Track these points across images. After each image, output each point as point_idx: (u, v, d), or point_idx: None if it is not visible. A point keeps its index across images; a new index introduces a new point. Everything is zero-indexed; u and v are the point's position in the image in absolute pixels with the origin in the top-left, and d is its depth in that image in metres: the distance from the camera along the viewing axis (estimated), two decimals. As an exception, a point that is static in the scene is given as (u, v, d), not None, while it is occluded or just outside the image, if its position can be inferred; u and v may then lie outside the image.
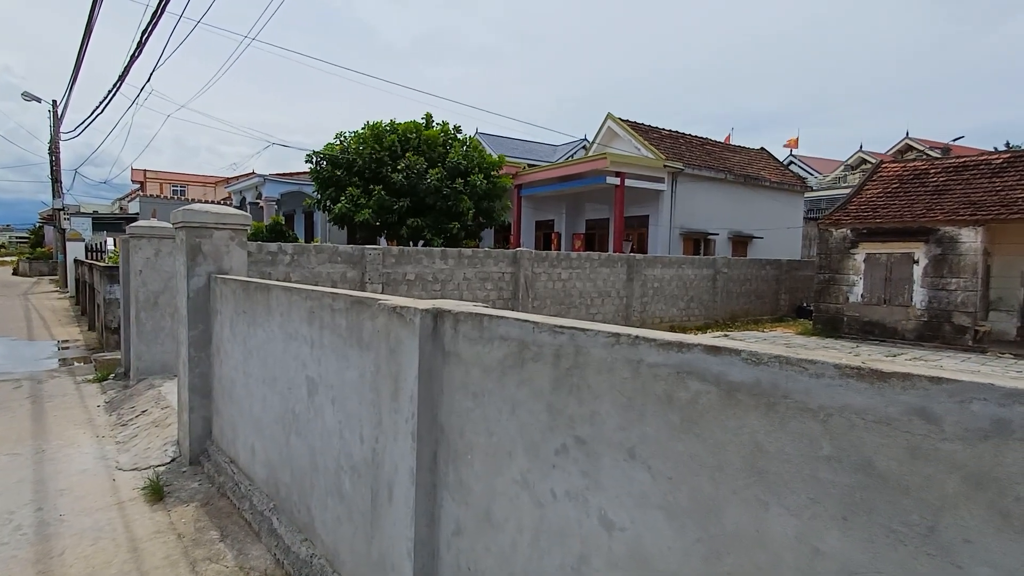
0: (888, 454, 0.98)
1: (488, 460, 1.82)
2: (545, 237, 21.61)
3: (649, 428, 1.35)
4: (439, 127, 16.25)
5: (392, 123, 15.84)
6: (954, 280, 12.18)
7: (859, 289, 13.68)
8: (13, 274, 35.20)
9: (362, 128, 15.79)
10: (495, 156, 16.64)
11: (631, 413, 1.38)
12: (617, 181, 16.72)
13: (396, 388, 2.11)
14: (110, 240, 15.54)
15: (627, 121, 19.79)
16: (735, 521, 1.19)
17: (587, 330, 1.49)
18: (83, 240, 22.43)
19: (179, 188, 46.38)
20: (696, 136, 21.52)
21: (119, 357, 8.44)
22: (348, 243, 15.53)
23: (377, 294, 2.61)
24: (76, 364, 9.07)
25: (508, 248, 16.38)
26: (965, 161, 13.51)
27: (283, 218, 20.66)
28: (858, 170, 28.95)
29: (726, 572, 1.21)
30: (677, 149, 19.35)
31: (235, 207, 19.38)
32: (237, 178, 31.07)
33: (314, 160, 15.81)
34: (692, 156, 19.35)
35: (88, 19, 10.81)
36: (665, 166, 17.66)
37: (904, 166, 14.73)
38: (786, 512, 1.11)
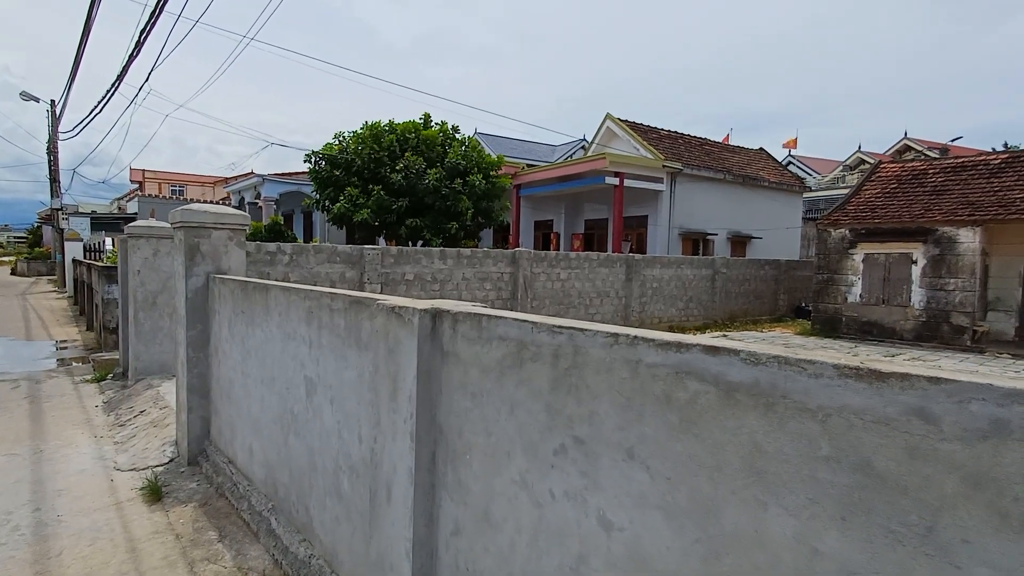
0: (887, 454, 0.98)
1: (487, 460, 1.81)
2: (544, 237, 21.61)
3: (648, 428, 1.34)
4: (437, 127, 16.25)
5: (391, 123, 15.84)
6: (952, 280, 12.19)
7: (857, 289, 13.70)
8: (11, 274, 35.14)
9: (361, 128, 15.79)
10: (494, 156, 16.64)
11: (630, 413, 1.38)
12: (616, 181, 16.73)
13: (395, 388, 2.11)
14: (108, 240, 15.52)
15: (626, 121, 19.80)
16: (734, 521, 1.19)
17: (585, 330, 1.49)
18: (81, 240, 22.41)
19: (178, 188, 46.33)
20: (695, 136, 21.54)
21: (117, 357, 8.42)
22: (347, 243, 15.51)
23: (376, 294, 2.61)
24: (74, 364, 9.06)
25: (507, 248, 16.38)
26: (963, 161, 13.53)
27: (282, 218, 20.63)
28: (857, 170, 28.99)
29: (725, 572, 1.21)
30: (676, 149, 19.36)
31: (234, 207, 19.36)
32: (236, 178, 31.04)
33: (313, 160, 15.80)
34: (691, 156, 19.36)
35: (86, 19, 10.80)
36: (664, 166, 17.67)
37: (903, 166, 14.75)
38: (785, 512, 1.11)
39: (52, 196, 26.06)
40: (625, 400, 1.39)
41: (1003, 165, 12.60)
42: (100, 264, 11.59)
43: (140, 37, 9.65)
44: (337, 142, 15.83)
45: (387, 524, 2.17)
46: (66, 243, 22.58)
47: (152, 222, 7.63)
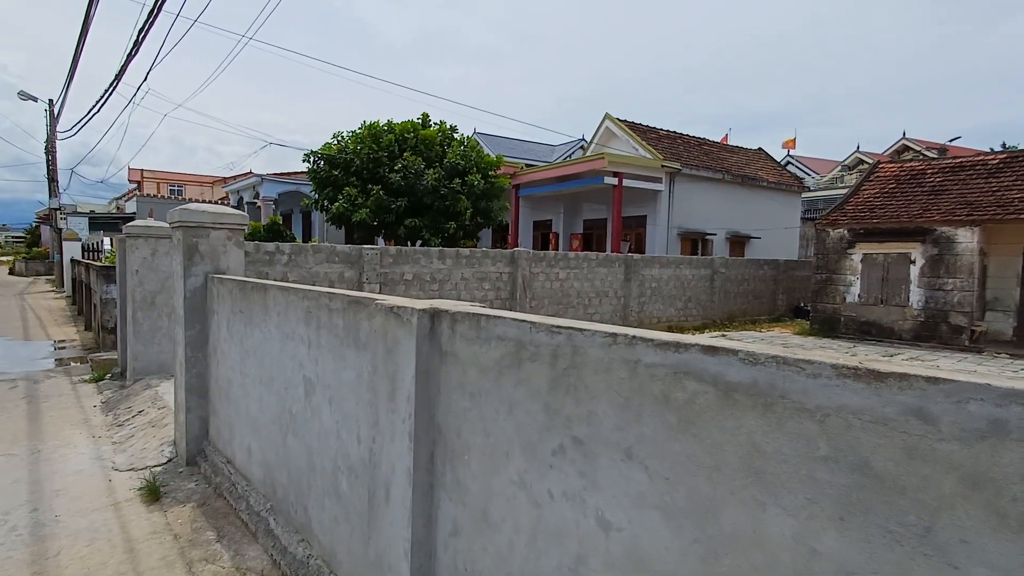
0: (885, 454, 0.98)
1: (485, 460, 1.81)
2: (543, 237, 21.62)
3: (646, 428, 1.34)
4: (436, 127, 16.24)
5: (389, 123, 15.83)
6: (951, 280, 12.21)
7: (856, 289, 13.71)
8: (9, 274, 35.08)
9: (359, 128, 15.78)
10: (493, 156, 16.63)
11: (628, 413, 1.38)
12: (615, 181, 16.73)
13: (393, 388, 2.11)
14: (107, 240, 15.52)
15: (625, 121, 19.80)
16: (732, 521, 1.19)
17: (584, 330, 1.49)
18: (80, 240, 22.38)
19: (176, 188, 46.28)
20: (694, 136, 21.56)
21: (116, 357, 8.41)
22: (346, 243, 15.51)
23: (374, 294, 2.61)
24: (72, 364, 9.04)
25: (506, 248, 16.39)
26: (962, 162, 13.55)
27: (280, 218, 20.62)
28: (855, 170, 29.03)
29: (723, 572, 1.21)
30: (675, 149, 19.37)
31: (232, 207, 19.35)
32: (234, 178, 31.00)
33: (312, 160, 15.79)
34: (690, 156, 19.37)
35: (84, 18, 10.78)
36: (663, 166, 17.67)
37: (901, 166, 14.77)
38: (783, 512, 1.11)
39: (50, 196, 26.03)
40: (623, 400, 1.39)
41: (1001, 165, 12.62)
42: (98, 264, 11.58)
43: (138, 36, 9.64)
44: (336, 142, 15.82)
45: (385, 524, 2.16)
46: (64, 243, 22.55)
47: (150, 222, 7.62)
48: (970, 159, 13.55)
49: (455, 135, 16.42)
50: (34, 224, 48.85)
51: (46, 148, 26.14)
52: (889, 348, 12.38)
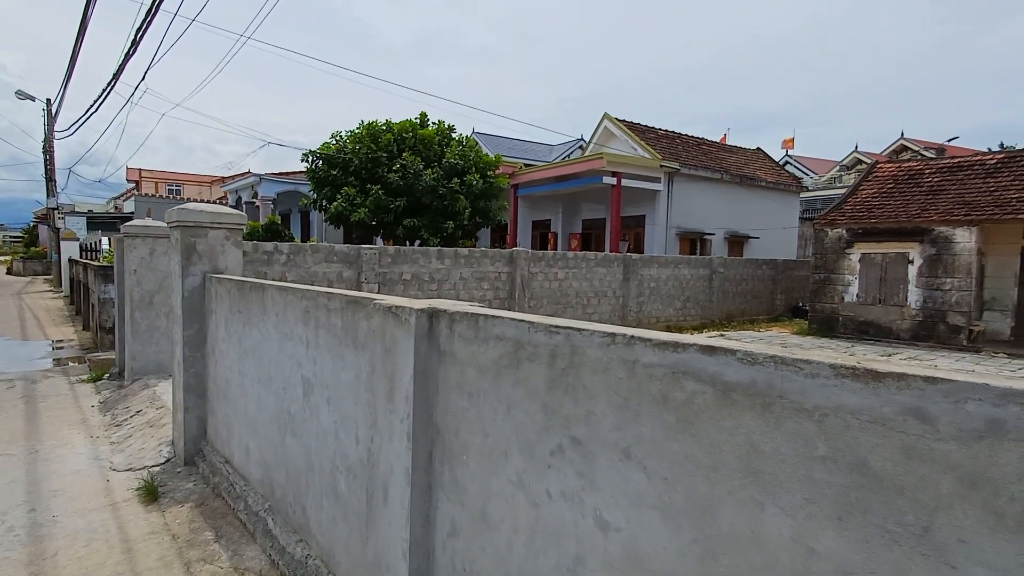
0: (883, 454, 0.98)
1: (484, 460, 1.81)
2: (541, 237, 21.62)
3: (645, 428, 1.34)
4: (434, 127, 16.24)
5: (388, 123, 15.82)
6: (949, 280, 12.23)
7: (854, 289, 13.73)
8: (7, 273, 35.01)
9: (358, 128, 15.77)
10: (491, 156, 16.63)
11: (627, 413, 1.38)
12: (613, 181, 16.74)
13: (391, 388, 2.10)
14: (105, 239, 15.49)
15: (623, 121, 19.81)
16: (730, 521, 1.19)
17: (583, 330, 1.49)
18: (78, 239, 22.34)
19: (174, 187, 46.22)
20: (692, 136, 21.58)
21: (114, 357, 8.39)
22: (344, 243, 15.50)
23: (373, 294, 2.61)
24: (70, 364, 9.02)
25: (504, 248, 16.39)
26: (959, 162, 13.57)
27: (279, 217, 20.59)
28: (853, 170, 29.07)
29: (721, 572, 1.21)
30: (673, 149, 19.38)
31: (231, 206, 19.33)
32: (233, 177, 30.95)
33: (310, 159, 15.77)
34: (688, 156, 19.39)
35: (82, 17, 10.75)
36: (661, 166, 17.68)
37: (899, 166, 14.79)
38: (781, 512, 1.11)
39: (48, 195, 25.98)
40: (622, 400, 1.39)
41: (999, 165, 12.65)
42: (96, 263, 11.56)
43: (136, 36, 9.62)
44: (335, 142, 15.80)
45: (384, 524, 2.16)
46: (62, 242, 22.52)
47: (148, 221, 7.61)
48: (968, 159, 13.57)
49: (453, 135, 16.41)
50: (32, 224, 48.76)
51: (44, 147, 26.09)
52: (887, 348, 12.40)
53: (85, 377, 7.86)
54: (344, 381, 2.55)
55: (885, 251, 13.19)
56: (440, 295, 10.95)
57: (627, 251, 17.30)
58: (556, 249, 19.79)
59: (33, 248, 40.75)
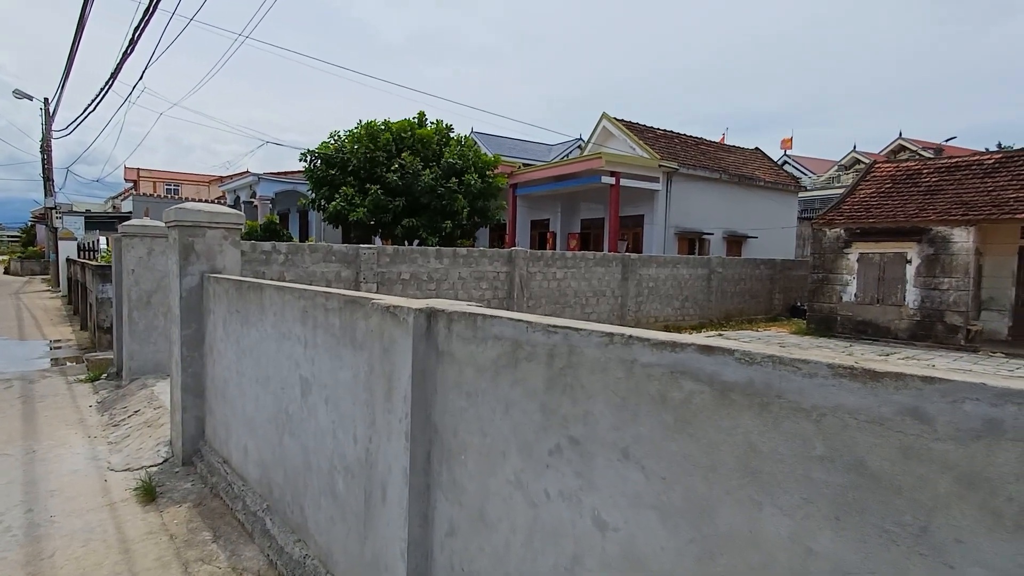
0: (881, 454, 0.98)
1: (482, 460, 1.81)
2: (540, 236, 21.62)
3: (643, 428, 1.34)
4: (433, 126, 16.22)
5: (386, 122, 15.80)
6: (946, 280, 12.26)
7: (852, 289, 13.75)
8: (5, 273, 34.95)
9: (356, 127, 15.75)
10: (490, 155, 16.62)
11: (625, 413, 1.38)
12: (612, 181, 16.74)
13: (390, 388, 2.10)
14: (103, 239, 15.46)
15: (622, 121, 19.82)
16: (729, 521, 1.19)
17: (581, 330, 1.49)
18: (75, 239, 22.29)
19: (172, 187, 46.15)
20: (691, 136, 21.59)
21: (111, 357, 8.38)
22: (343, 242, 15.48)
23: (371, 293, 2.60)
24: (68, 364, 9.01)
25: (503, 247, 16.38)
26: (957, 162, 13.60)
27: (277, 217, 20.56)
28: (852, 170, 29.12)
29: (720, 572, 1.21)
30: (672, 149, 19.39)
31: (229, 206, 19.28)
32: (231, 177, 30.90)
33: (308, 159, 15.75)
34: (687, 156, 19.40)
35: (80, 16, 10.73)
36: (660, 166, 17.69)
37: (897, 166, 14.82)
38: (779, 512, 1.11)
39: (46, 195, 25.92)
40: (620, 400, 1.39)
41: (997, 165, 12.67)
42: (94, 263, 11.54)
43: (134, 35, 9.60)
44: (333, 141, 15.78)
45: (382, 524, 2.16)
46: (60, 242, 22.48)
47: (146, 221, 7.59)
48: (966, 159, 13.60)
49: (452, 134, 16.40)
50: (29, 223, 48.67)
51: (42, 147, 26.03)
52: (885, 347, 12.42)
53: (83, 377, 7.85)
54: (342, 381, 2.55)
55: (883, 251, 13.21)
56: (439, 295, 10.94)
57: (626, 251, 17.32)
58: (555, 249, 19.80)
59: (31, 248, 40.68)
